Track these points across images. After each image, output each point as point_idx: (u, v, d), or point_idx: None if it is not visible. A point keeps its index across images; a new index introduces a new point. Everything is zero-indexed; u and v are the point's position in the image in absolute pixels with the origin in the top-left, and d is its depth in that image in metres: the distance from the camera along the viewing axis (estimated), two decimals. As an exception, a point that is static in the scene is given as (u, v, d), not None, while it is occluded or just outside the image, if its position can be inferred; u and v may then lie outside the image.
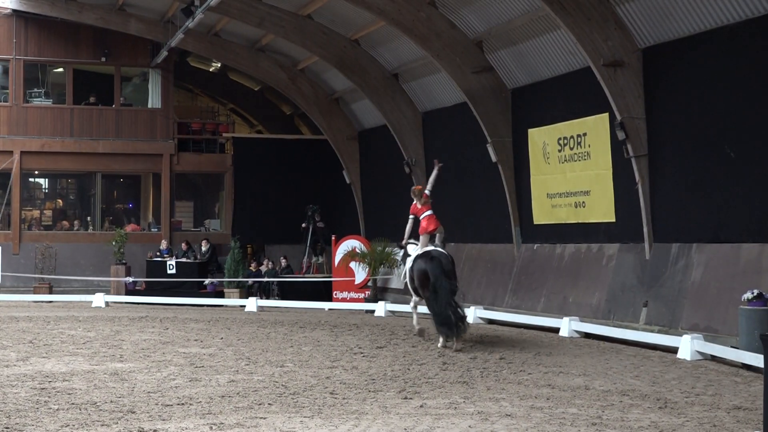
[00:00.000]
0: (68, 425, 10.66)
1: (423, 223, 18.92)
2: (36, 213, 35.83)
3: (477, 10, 23.08)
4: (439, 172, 19.47)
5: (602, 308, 20.90)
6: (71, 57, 34.22)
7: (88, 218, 35.16)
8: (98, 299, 28.72)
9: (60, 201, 37.50)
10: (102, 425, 10.69)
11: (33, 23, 33.50)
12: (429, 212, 18.97)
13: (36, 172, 36.31)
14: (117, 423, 10.79)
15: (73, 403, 11.93)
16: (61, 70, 35.08)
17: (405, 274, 19.61)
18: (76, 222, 34.83)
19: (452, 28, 23.91)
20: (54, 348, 17.70)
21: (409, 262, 18.96)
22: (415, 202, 19.30)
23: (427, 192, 19.13)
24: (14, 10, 33.02)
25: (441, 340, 17.95)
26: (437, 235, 19.00)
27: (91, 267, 32.98)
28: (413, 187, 19.97)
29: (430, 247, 18.55)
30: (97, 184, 35.70)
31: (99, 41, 33.94)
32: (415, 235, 19.42)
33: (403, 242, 19.94)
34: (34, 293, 30.91)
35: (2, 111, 33.61)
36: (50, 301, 30.14)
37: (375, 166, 31.97)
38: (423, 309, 18.98)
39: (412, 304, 19.34)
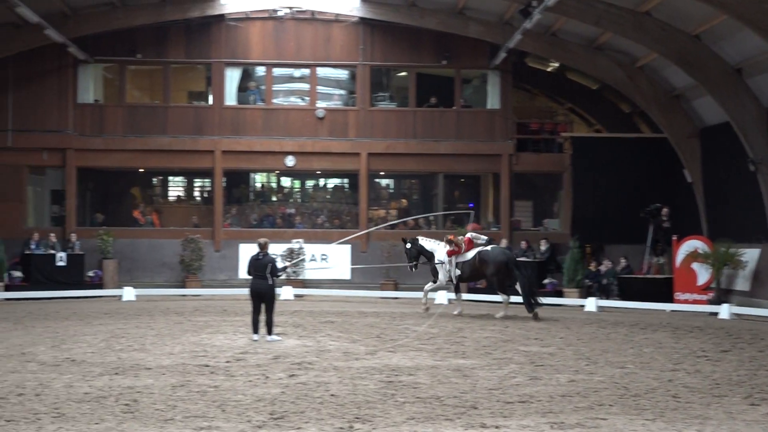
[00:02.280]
0: (414, 418, 11.08)
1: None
2: (382, 212, 37.25)
3: (830, -1, 21.86)
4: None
5: None
6: (414, 61, 35.30)
7: (431, 217, 36.10)
8: (441, 296, 29.49)
9: (404, 201, 38.76)
10: (446, 419, 11.03)
11: (378, 30, 34.86)
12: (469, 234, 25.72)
13: (381, 173, 37.78)
14: (460, 418, 11.10)
15: (418, 397, 12.38)
16: (404, 74, 36.27)
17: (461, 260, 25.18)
18: (420, 221, 35.85)
19: (801, 18, 22.77)
20: (400, 343, 18.39)
21: (470, 253, 25.18)
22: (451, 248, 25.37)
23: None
24: (361, 18, 34.50)
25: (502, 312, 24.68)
26: None
27: (434, 265, 33.87)
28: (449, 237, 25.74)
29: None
30: (439, 184, 36.63)
31: (440, 45, 34.80)
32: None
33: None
34: (381, 290, 32.16)
35: (350, 115, 35.20)
36: (396, 298, 31.26)
37: (718, 164, 30.84)
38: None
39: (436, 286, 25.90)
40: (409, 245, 25.97)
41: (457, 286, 25.81)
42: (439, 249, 25.57)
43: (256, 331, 18.69)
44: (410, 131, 35.02)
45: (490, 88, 35.50)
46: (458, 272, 25.20)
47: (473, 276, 25.70)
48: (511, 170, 34.91)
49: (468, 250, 25.28)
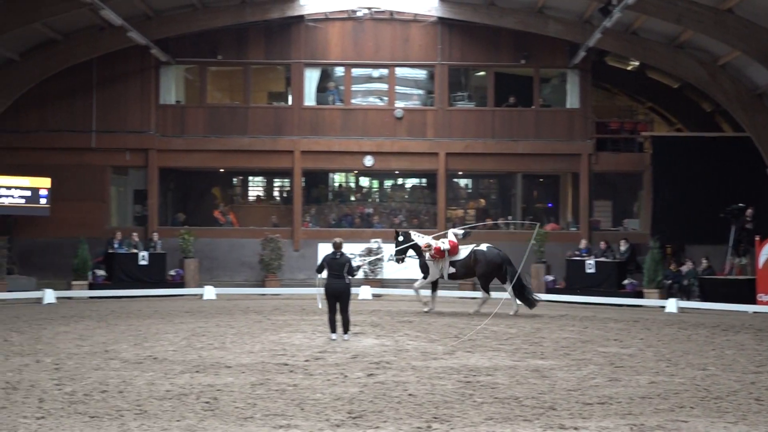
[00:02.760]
0: (492, 418, 11.08)
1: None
2: (460, 212, 37.23)
3: None
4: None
5: None
6: (492, 60, 35.22)
7: (509, 217, 35.97)
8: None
9: (482, 200, 38.68)
10: (524, 420, 11.02)
11: (456, 29, 34.84)
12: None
13: (460, 173, 37.74)
14: (538, 419, 11.08)
15: (496, 398, 12.37)
16: (482, 73, 36.22)
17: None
18: (500, 220, 35.74)
19: None
20: (478, 343, 18.38)
21: (465, 252, 25.40)
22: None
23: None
24: (439, 18, 34.51)
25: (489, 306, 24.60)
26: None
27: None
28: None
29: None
30: (518, 184, 36.48)
31: (518, 44, 34.66)
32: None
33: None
34: (459, 290, 32.07)
35: (429, 114, 35.22)
36: (474, 298, 31.17)
37: (802, 163, 30.28)
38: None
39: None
40: (401, 238, 25.82)
41: (434, 284, 25.84)
42: (431, 245, 25.53)
43: (333, 330, 18.78)
44: (489, 131, 34.94)
45: (569, 87, 35.28)
46: (452, 270, 25.43)
47: (466, 274, 25.87)
48: (590, 170, 34.66)
49: (454, 252, 25.38)
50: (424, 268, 25.65)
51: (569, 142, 34.69)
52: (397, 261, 26.32)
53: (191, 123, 34.86)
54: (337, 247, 18.87)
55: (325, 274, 18.87)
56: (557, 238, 34.07)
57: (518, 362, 15.71)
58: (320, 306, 20.04)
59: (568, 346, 18.17)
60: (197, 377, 13.83)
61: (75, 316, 23.54)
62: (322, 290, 19.15)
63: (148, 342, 18.11)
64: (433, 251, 25.12)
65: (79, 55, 32.92)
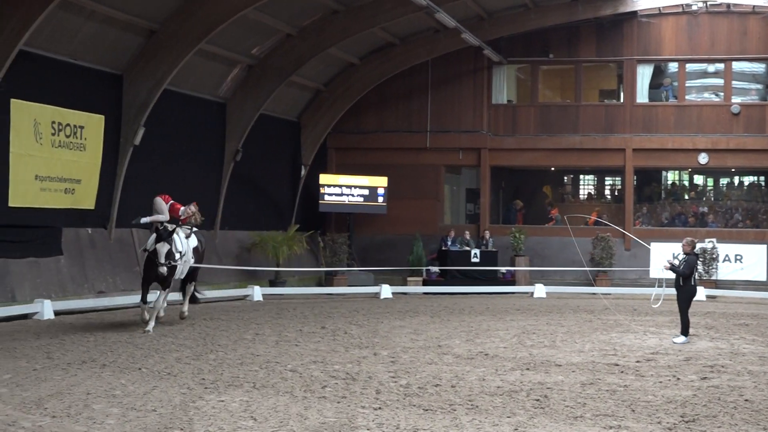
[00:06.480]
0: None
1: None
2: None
3: None
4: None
5: None
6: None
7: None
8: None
9: None
10: None
11: (799, 21, 33.35)
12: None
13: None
14: None
15: None
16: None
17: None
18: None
19: None
20: (820, 350, 17.55)
21: (193, 238, 20.16)
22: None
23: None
24: (780, 10, 33.15)
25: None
26: None
27: None
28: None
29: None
30: None
31: None
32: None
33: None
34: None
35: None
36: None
37: None
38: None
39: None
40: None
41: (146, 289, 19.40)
42: (180, 239, 19.43)
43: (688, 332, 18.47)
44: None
45: None
46: (193, 259, 20.20)
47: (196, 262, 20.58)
48: None
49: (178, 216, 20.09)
50: (171, 272, 19.15)
51: None
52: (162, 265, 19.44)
53: (522, 122, 35.19)
54: (693, 246, 18.75)
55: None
56: None
57: None
58: (654, 305, 19.81)
59: None
60: (527, 374, 14.01)
61: (410, 311, 24.38)
62: (661, 290, 19.04)
63: (480, 338, 18.51)
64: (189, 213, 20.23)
65: (415, 57, 34.00)
